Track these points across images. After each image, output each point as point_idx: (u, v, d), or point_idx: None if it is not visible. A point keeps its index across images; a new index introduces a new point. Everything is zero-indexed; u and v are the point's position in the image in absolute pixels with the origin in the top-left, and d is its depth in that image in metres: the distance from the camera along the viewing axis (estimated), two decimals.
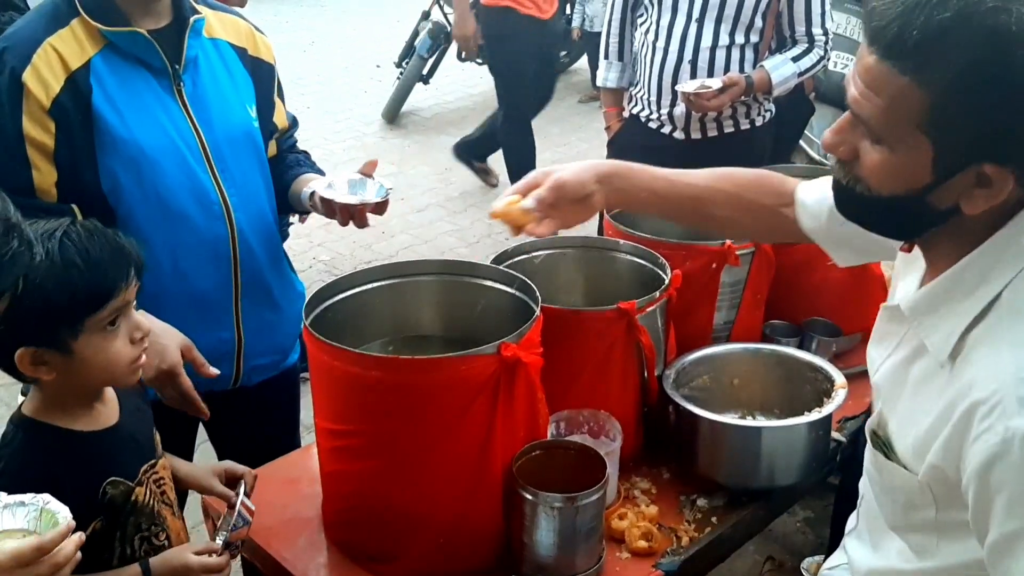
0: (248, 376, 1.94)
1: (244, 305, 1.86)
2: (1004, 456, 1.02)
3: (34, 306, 1.27)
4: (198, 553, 1.41)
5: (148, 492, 1.44)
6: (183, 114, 1.74)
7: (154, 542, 1.45)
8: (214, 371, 1.67)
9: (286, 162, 2.00)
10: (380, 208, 1.83)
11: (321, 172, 2.04)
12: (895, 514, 1.27)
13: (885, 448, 1.25)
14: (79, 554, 1.18)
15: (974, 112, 1.02)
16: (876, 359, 1.33)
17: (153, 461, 1.47)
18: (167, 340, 1.60)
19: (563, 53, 7.69)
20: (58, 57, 1.63)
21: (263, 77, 1.91)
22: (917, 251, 1.24)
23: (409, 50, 6.70)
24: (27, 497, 1.21)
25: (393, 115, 6.68)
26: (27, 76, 1.61)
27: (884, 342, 1.31)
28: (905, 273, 1.32)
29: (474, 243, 4.97)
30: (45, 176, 1.65)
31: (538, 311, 1.59)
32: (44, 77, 1.62)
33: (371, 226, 5.81)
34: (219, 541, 1.46)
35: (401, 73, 6.69)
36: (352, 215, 1.81)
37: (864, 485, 1.39)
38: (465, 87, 7.51)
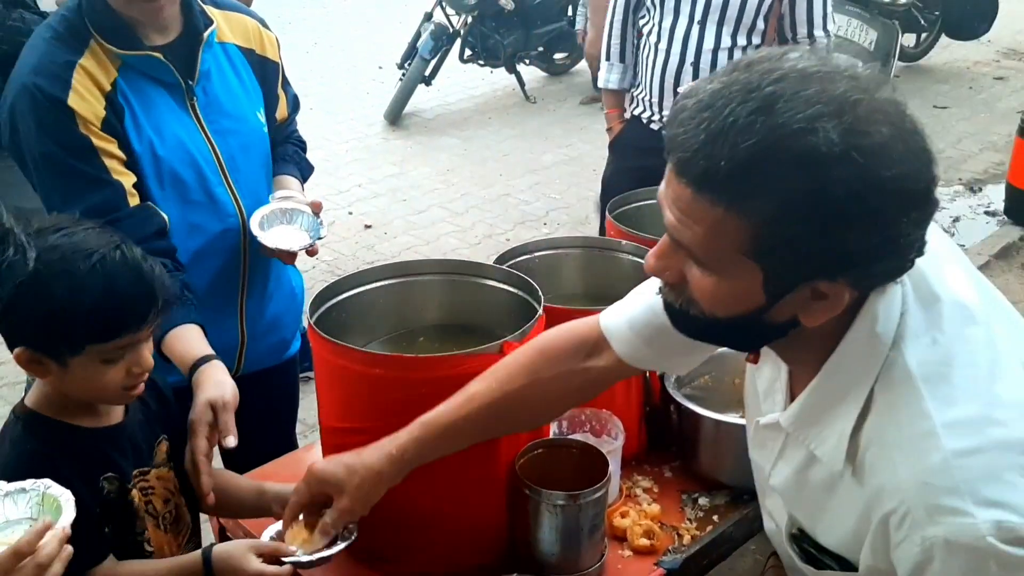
0: (249, 367, 1.97)
1: (249, 300, 1.90)
2: (929, 564, 1.01)
3: (41, 313, 1.28)
4: (261, 556, 1.39)
5: (137, 497, 1.43)
6: (197, 127, 1.77)
7: (146, 548, 1.44)
8: (231, 443, 1.51)
9: (276, 151, 2.00)
10: (310, 251, 1.85)
11: (306, 168, 2.05)
12: None
13: (812, 548, 1.22)
14: (69, 548, 1.16)
15: (798, 237, 0.96)
16: (763, 465, 1.31)
17: (146, 468, 1.46)
18: (202, 394, 1.52)
19: (564, 55, 7.73)
20: (91, 79, 1.64)
21: (269, 76, 1.93)
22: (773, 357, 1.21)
23: (411, 51, 6.71)
24: (27, 483, 1.21)
25: (395, 116, 6.69)
26: (72, 101, 1.62)
27: (766, 447, 1.28)
28: (759, 370, 1.30)
29: (476, 244, 4.98)
30: (128, 179, 1.67)
31: (540, 310, 1.60)
32: (87, 99, 1.63)
33: (372, 227, 5.76)
34: (299, 557, 1.40)
35: (403, 74, 6.70)
36: (280, 256, 1.83)
37: None
38: (467, 88, 7.52)
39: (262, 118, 1.88)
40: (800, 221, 0.96)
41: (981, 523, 0.98)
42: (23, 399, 1.42)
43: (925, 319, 1.08)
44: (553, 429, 1.68)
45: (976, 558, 0.99)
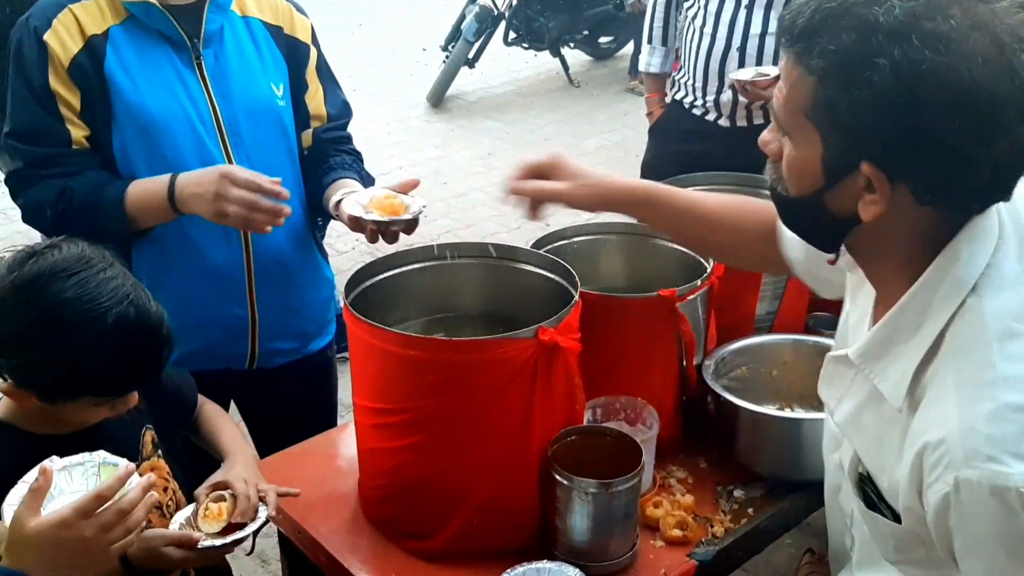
0: (267, 358, 1.94)
1: (259, 283, 1.86)
2: (955, 505, 1.02)
3: (44, 362, 1.28)
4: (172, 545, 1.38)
5: None
6: (200, 87, 1.76)
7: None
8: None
9: (329, 161, 1.94)
10: (410, 227, 1.74)
11: (367, 178, 1.97)
12: (888, 553, 1.25)
13: (873, 495, 1.22)
14: (153, 494, 1.19)
15: (849, 107, 1.01)
16: (830, 401, 1.31)
17: (135, 464, 1.45)
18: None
19: (610, 39, 7.65)
20: (76, 22, 1.70)
21: (298, 56, 1.91)
22: (868, 288, 1.22)
23: (455, 34, 6.70)
24: (81, 456, 1.23)
25: (438, 99, 6.68)
26: (48, 37, 1.68)
27: (834, 384, 1.28)
28: (855, 300, 1.30)
29: (515, 229, 4.96)
30: (79, 130, 1.72)
31: (577, 296, 1.58)
32: (63, 39, 1.69)
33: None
34: (211, 542, 1.41)
35: (447, 57, 6.69)
36: (382, 232, 1.73)
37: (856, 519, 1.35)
38: (511, 71, 7.50)
39: (280, 92, 1.85)
40: (849, 86, 1.00)
41: (1016, 474, 0.99)
42: None
43: (1021, 274, 1.08)
44: (587, 416, 1.67)
45: (1002, 507, 1.00)
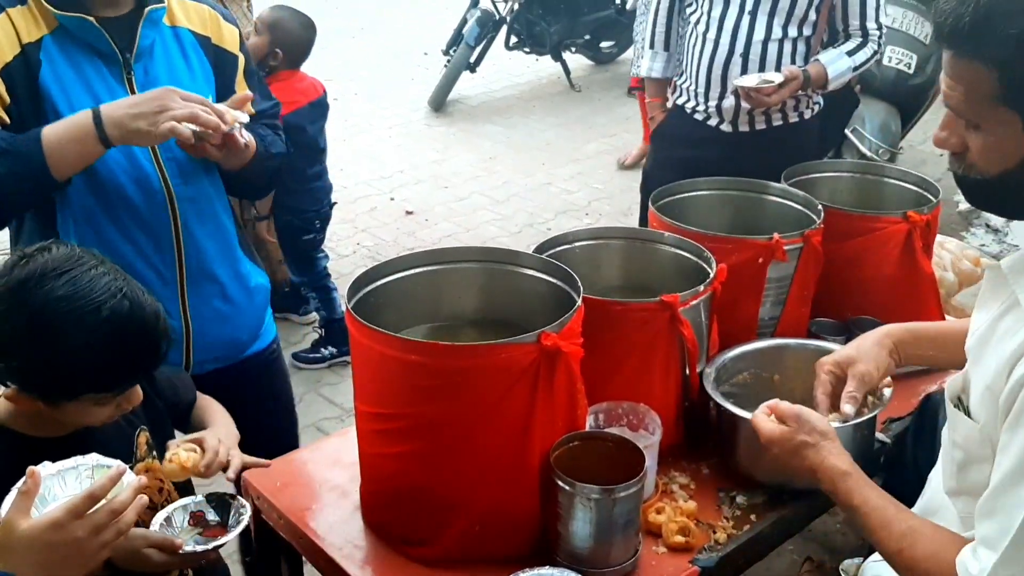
0: (200, 365, 1.90)
1: (191, 295, 1.83)
2: None
3: (42, 362, 1.28)
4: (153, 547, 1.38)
5: None
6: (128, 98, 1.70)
7: None
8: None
9: None
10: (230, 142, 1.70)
11: (263, 137, 1.89)
12: (952, 476, 1.32)
13: (963, 399, 1.32)
14: (144, 498, 1.18)
15: None
16: (977, 322, 1.37)
17: (129, 465, 1.42)
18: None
19: (611, 43, 7.66)
20: (13, 28, 1.64)
21: (225, 66, 1.87)
22: None
23: (457, 38, 6.70)
24: (73, 460, 1.22)
25: (440, 103, 6.68)
26: None
27: (984, 307, 1.35)
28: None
29: (516, 233, 4.96)
30: None
31: (579, 301, 1.58)
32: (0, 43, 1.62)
33: (413, 213, 5.78)
34: (192, 548, 1.40)
35: (448, 61, 6.69)
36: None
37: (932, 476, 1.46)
38: (512, 76, 7.50)
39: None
40: None
41: None
42: None
43: None
44: (589, 422, 1.66)
45: None
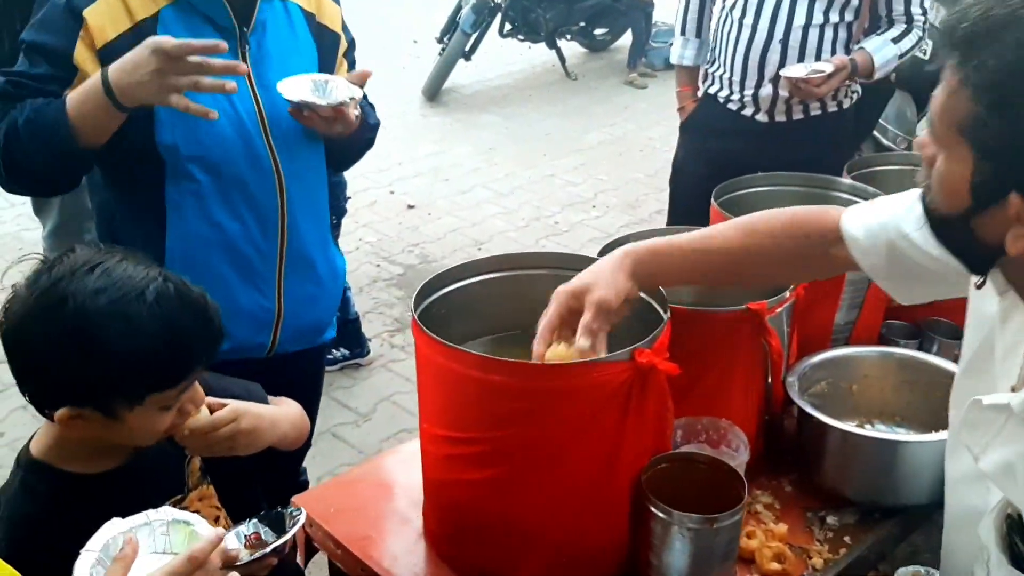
0: (284, 346, 1.90)
1: (287, 277, 1.83)
2: None
3: (93, 367, 1.15)
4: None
5: None
6: (244, 78, 1.69)
7: None
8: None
9: None
10: (339, 114, 1.73)
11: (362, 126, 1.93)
12: None
13: (1019, 538, 1.11)
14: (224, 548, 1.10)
15: (1001, 126, 0.93)
16: (974, 447, 1.13)
17: (180, 496, 1.36)
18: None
19: (605, 30, 7.53)
20: (123, 6, 1.59)
21: (327, 45, 1.86)
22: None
23: (451, 25, 6.55)
24: (144, 516, 1.11)
25: (434, 92, 6.53)
26: (89, 12, 1.58)
27: (978, 429, 1.12)
28: (1005, 327, 1.16)
29: (523, 227, 4.83)
30: (85, 64, 1.60)
31: (667, 314, 1.46)
32: (103, 20, 1.58)
33: (415, 207, 5.63)
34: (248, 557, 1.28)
35: (443, 49, 6.53)
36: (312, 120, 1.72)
37: None
38: (506, 64, 7.36)
39: None
40: (1004, 108, 0.93)
41: None
42: (28, 444, 1.31)
43: None
44: None
45: None
